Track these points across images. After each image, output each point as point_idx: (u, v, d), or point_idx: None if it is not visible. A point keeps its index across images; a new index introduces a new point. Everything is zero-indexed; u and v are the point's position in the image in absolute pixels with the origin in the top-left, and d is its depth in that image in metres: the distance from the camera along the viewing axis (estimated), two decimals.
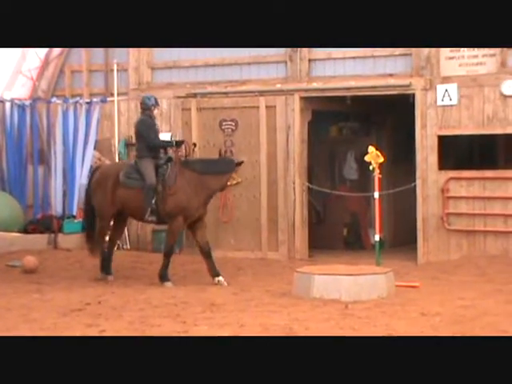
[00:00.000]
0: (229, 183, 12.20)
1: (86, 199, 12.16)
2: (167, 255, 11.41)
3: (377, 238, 12.46)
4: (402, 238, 15.43)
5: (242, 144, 14.36)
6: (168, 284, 11.21)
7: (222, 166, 11.69)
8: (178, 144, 12.00)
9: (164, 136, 14.18)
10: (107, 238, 11.95)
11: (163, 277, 11.31)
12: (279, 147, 14.32)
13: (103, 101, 15.34)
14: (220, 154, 11.74)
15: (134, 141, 11.99)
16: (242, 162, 12.16)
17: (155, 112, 11.76)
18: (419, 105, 13.57)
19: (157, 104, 11.73)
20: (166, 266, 11.37)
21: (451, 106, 13.40)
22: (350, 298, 9.69)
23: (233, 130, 14.56)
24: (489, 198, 13.25)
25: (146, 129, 11.48)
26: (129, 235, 14.81)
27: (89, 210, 12.00)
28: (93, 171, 12.48)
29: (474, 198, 13.34)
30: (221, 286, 11.11)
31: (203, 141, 14.63)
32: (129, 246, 14.81)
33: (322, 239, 15.34)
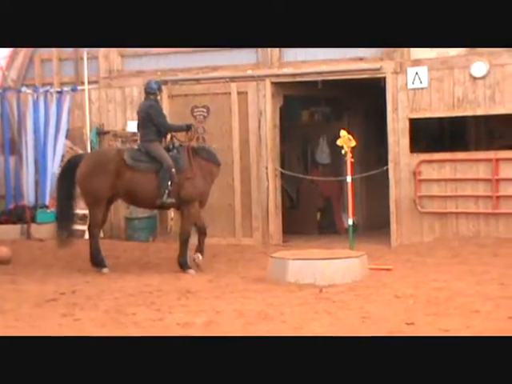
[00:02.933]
0: None
1: (63, 187, 11.62)
2: (185, 242, 11.28)
3: (350, 221, 12.49)
4: (375, 222, 15.51)
5: (214, 130, 14.32)
6: (191, 271, 11.12)
7: (217, 157, 11.66)
8: (188, 128, 11.63)
9: (134, 124, 14.09)
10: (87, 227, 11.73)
11: (184, 264, 11.23)
12: (251, 133, 14.32)
13: (74, 89, 15.24)
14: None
15: (137, 126, 11.53)
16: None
17: (159, 97, 11.73)
18: (390, 88, 13.61)
19: (161, 89, 11.73)
20: (184, 253, 11.26)
21: (422, 88, 13.44)
22: (324, 282, 9.74)
23: (205, 117, 14.52)
24: (460, 180, 13.32)
25: (156, 113, 11.36)
26: None
27: (66, 198, 11.61)
28: (73, 159, 11.99)
29: (445, 180, 13.42)
30: (195, 273, 11.10)
31: None
32: (102, 235, 14.72)
33: (295, 224, 15.38)
